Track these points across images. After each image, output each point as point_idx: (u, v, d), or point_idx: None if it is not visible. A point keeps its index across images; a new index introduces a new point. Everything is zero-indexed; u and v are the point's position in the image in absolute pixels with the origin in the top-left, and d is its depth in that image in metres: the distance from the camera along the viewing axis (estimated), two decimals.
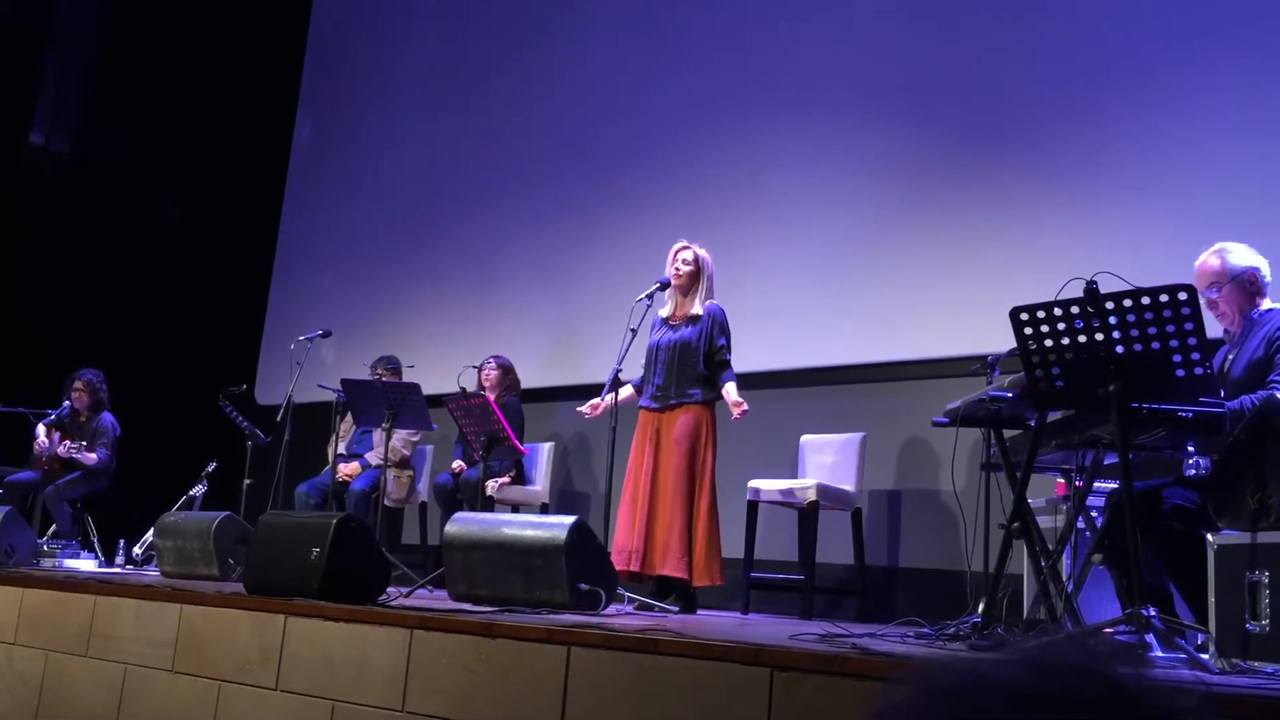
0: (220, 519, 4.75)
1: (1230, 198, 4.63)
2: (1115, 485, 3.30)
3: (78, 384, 6.75)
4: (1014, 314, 2.72)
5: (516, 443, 5.25)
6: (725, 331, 4.74)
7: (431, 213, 7.78)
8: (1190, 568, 2.80)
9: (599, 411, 4.88)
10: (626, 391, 4.89)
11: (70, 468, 6.59)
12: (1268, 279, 3.25)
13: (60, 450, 6.53)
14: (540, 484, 6.15)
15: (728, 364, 4.69)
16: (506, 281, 7.17)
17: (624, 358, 4.73)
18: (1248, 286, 3.22)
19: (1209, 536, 2.62)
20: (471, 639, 2.84)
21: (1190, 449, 3.16)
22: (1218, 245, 3.30)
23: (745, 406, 4.57)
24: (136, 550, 6.20)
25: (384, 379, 5.94)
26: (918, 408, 5.07)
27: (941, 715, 0.57)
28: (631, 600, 4.38)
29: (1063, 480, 3.83)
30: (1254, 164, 4.61)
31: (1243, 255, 3.26)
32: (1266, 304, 3.23)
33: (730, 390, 4.62)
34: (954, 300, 5.25)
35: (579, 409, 4.98)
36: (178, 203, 8.66)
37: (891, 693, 0.60)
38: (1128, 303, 2.59)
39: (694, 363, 4.67)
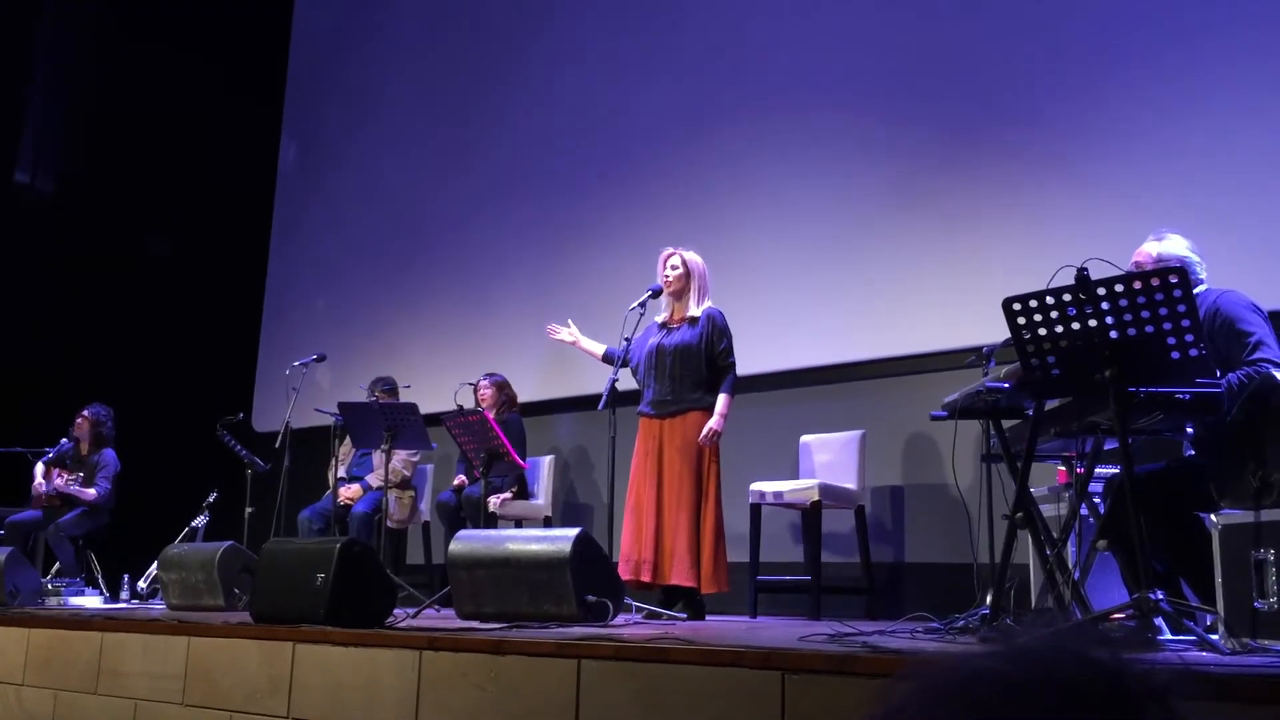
0: (224, 549, 4.74)
1: (1221, 181, 4.64)
2: (1116, 470, 3.30)
3: (84, 414, 6.73)
4: (1007, 304, 2.72)
5: (516, 457, 5.25)
6: (726, 334, 4.67)
7: (421, 231, 7.78)
8: (1183, 548, 2.80)
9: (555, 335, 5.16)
10: (592, 345, 5.08)
11: (70, 504, 6.56)
12: (1201, 275, 3.23)
13: (58, 483, 6.48)
14: (542, 498, 6.15)
15: (731, 368, 4.62)
16: (499, 296, 7.17)
17: (619, 367, 4.74)
18: None
19: (1213, 517, 2.62)
20: (481, 657, 2.83)
21: (1190, 430, 3.16)
22: (1162, 231, 3.30)
23: (715, 430, 4.49)
24: (141, 584, 6.18)
25: (381, 400, 5.93)
26: (916, 402, 5.07)
27: (942, 713, 0.58)
28: (639, 610, 4.37)
29: (1064, 468, 3.84)
30: (1245, 150, 4.62)
31: (1174, 245, 3.25)
32: (1201, 289, 3.20)
33: (719, 403, 4.53)
34: (946, 293, 5.26)
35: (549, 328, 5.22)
36: (167, 234, 8.66)
37: (890, 695, 0.60)
38: (1119, 287, 2.59)
39: (697, 365, 4.60)
